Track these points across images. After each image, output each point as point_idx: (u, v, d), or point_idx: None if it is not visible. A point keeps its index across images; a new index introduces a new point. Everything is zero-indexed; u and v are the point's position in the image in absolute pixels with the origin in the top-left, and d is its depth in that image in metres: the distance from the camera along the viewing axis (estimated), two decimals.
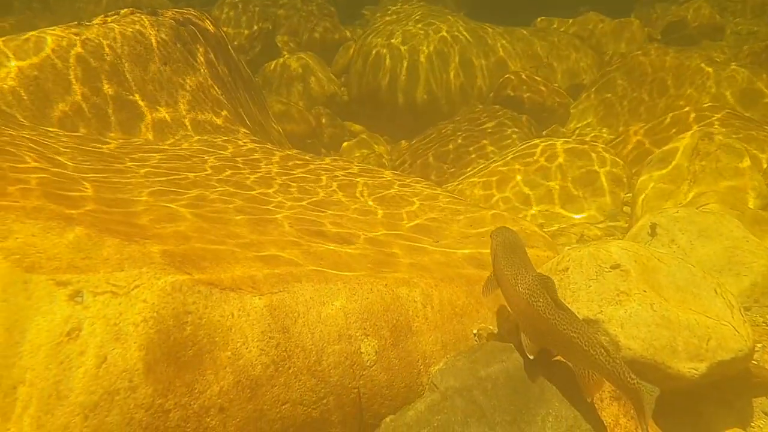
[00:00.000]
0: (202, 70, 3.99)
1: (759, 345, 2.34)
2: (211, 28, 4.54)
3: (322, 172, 3.17)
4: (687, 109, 5.14)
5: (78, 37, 3.45)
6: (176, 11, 4.27)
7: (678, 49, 6.91)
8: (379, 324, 1.84)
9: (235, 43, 7.51)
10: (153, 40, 3.74)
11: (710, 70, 5.95)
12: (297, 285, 1.80)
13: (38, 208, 1.78)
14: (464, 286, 2.11)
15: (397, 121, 7.24)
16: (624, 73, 6.71)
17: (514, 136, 6.07)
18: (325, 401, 1.71)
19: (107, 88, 3.44)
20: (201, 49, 4.14)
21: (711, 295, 2.11)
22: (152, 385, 1.47)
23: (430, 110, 7.11)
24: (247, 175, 2.90)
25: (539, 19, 9.14)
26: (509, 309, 1.91)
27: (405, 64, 7.15)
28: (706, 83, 5.81)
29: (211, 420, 1.53)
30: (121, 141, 3.20)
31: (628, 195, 4.44)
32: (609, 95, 6.69)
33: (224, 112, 3.90)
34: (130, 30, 3.67)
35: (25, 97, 3.21)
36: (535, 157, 4.74)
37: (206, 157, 3.13)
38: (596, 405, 1.78)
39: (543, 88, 6.96)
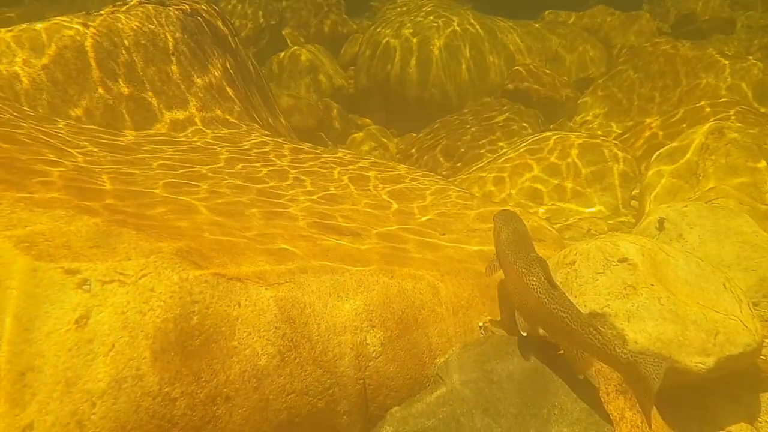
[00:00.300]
0: (211, 64, 3.98)
1: (767, 340, 2.32)
2: (218, 19, 4.51)
3: (334, 165, 3.16)
4: (702, 103, 5.05)
5: (87, 30, 3.44)
6: (183, 2, 4.24)
7: (688, 42, 6.79)
8: (384, 316, 1.84)
9: (242, 34, 7.49)
10: (163, 35, 3.72)
11: (726, 62, 5.84)
12: (304, 276, 1.80)
13: (48, 198, 1.79)
14: (471, 279, 2.10)
15: (405, 113, 7.18)
16: (634, 66, 6.62)
17: (522, 129, 6.02)
18: (330, 392, 1.71)
19: (120, 83, 3.43)
20: (208, 42, 4.12)
21: (719, 290, 2.09)
22: (159, 374, 1.48)
23: (440, 103, 7.04)
24: (260, 168, 2.90)
25: (547, 12, 9.03)
26: (509, 288, 1.91)
27: (415, 56, 7.08)
28: (722, 75, 5.69)
29: (217, 409, 1.54)
30: (133, 134, 3.20)
31: (636, 190, 4.40)
32: (618, 88, 6.61)
33: (236, 107, 3.89)
34: (138, 22, 3.66)
35: (43, 87, 3.20)
36: (545, 152, 4.69)
37: (219, 150, 3.13)
38: (602, 398, 1.77)
39: (551, 82, 6.90)
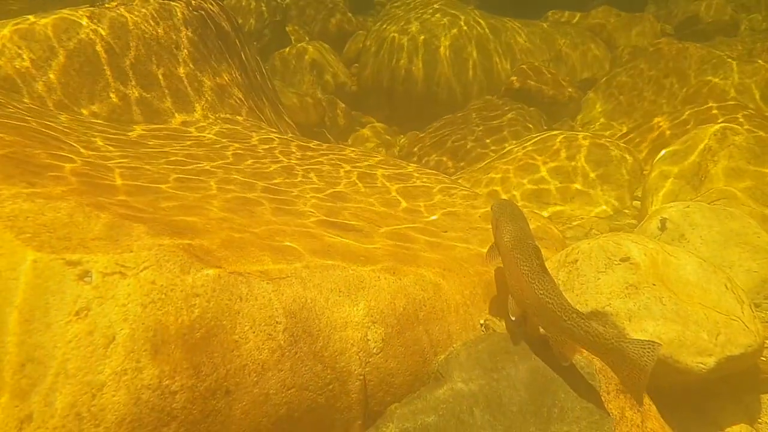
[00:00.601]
0: (216, 60, 3.95)
1: None
2: (222, 14, 4.49)
3: (342, 163, 3.15)
4: (710, 104, 5.02)
5: (97, 27, 3.40)
6: None
7: (693, 43, 6.77)
8: (386, 312, 1.84)
9: (245, 30, 7.47)
10: (170, 33, 3.69)
11: (733, 63, 5.80)
12: (306, 271, 1.79)
13: (50, 190, 1.78)
14: (472, 277, 2.09)
15: (409, 111, 7.16)
16: (638, 66, 6.60)
17: (526, 130, 6.01)
18: (330, 387, 1.71)
19: (130, 83, 3.39)
20: (213, 37, 4.11)
21: (721, 290, 2.09)
22: (159, 367, 1.48)
23: (446, 102, 7.01)
24: (267, 165, 2.89)
25: (550, 12, 9.02)
26: (505, 275, 1.93)
27: (421, 54, 7.06)
28: (730, 76, 5.65)
29: (217, 402, 1.54)
30: (141, 128, 3.18)
31: (638, 190, 4.39)
32: (621, 89, 6.59)
33: (241, 103, 3.87)
34: (144, 19, 3.62)
35: (55, 88, 3.14)
36: (551, 152, 4.67)
37: (226, 146, 3.11)
38: (603, 397, 1.77)
39: (554, 81, 6.89)
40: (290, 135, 3.87)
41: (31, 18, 3.33)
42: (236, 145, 3.18)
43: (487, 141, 5.92)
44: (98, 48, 3.36)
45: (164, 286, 1.55)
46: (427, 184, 2.99)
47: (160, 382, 1.47)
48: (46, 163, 2.00)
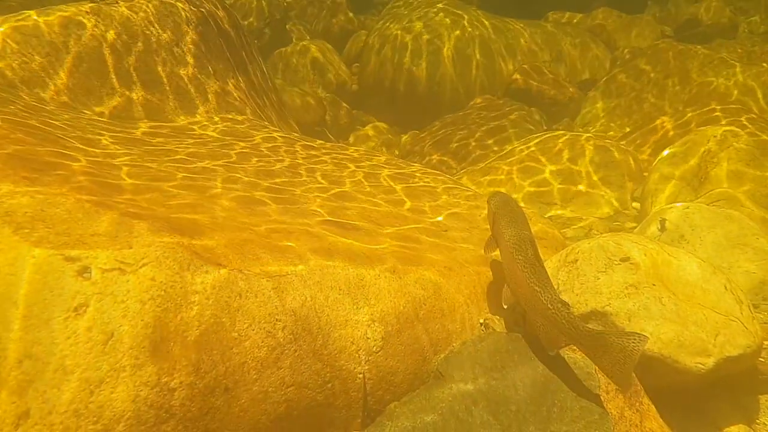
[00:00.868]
0: (217, 59, 3.93)
1: (767, 342, 2.32)
2: (223, 11, 4.48)
3: (347, 163, 3.14)
4: (713, 105, 5.01)
5: (101, 25, 3.35)
6: None
7: (693, 45, 6.77)
8: (385, 310, 1.83)
9: (246, 28, 7.45)
10: (172, 33, 3.65)
11: (737, 64, 5.80)
12: (306, 269, 1.79)
13: (49, 183, 1.77)
14: (472, 276, 2.09)
15: (411, 110, 7.12)
16: (638, 67, 6.60)
17: (527, 132, 6.00)
18: (330, 385, 1.70)
19: (135, 79, 3.35)
20: (214, 35, 4.09)
21: (720, 291, 2.09)
22: (158, 364, 1.47)
23: (449, 101, 6.97)
24: (272, 164, 2.87)
25: (551, 13, 9.03)
26: (503, 265, 1.96)
27: (424, 53, 7.02)
28: (733, 78, 5.64)
29: (216, 400, 1.53)
30: (147, 126, 3.16)
31: (638, 191, 4.40)
32: (622, 89, 6.59)
33: (245, 101, 3.86)
34: (147, 18, 3.58)
35: (62, 91, 3.08)
36: (554, 152, 4.66)
37: (232, 144, 3.10)
38: (602, 397, 1.77)
39: (555, 82, 6.89)
40: (295, 134, 3.85)
41: (33, 15, 3.28)
42: (240, 143, 3.16)
43: (489, 141, 5.91)
44: (104, 49, 3.33)
45: (163, 283, 1.54)
46: (431, 185, 2.98)
47: (158, 379, 1.46)
48: (52, 162, 1.98)
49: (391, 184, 2.90)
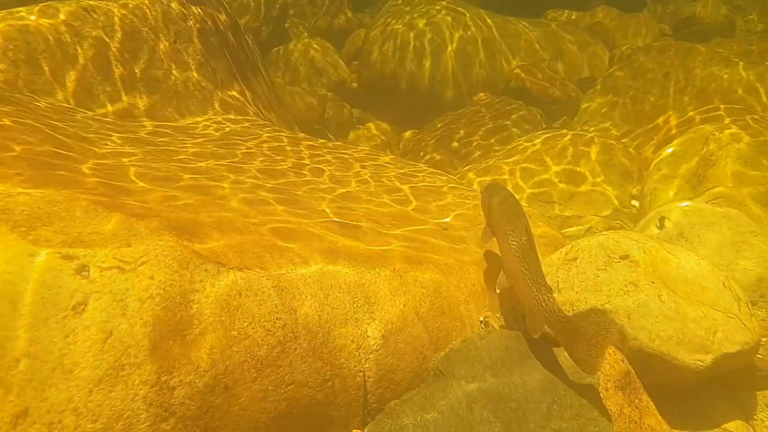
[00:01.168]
0: (217, 57, 3.90)
1: (764, 339, 2.33)
2: (221, 8, 4.45)
3: (354, 162, 3.12)
4: (716, 103, 5.00)
5: (89, 13, 3.31)
6: None
7: (692, 43, 6.78)
8: (385, 308, 1.83)
9: (244, 26, 7.40)
10: (167, 30, 3.62)
11: (739, 62, 5.78)
12: (305, 267, 1.78)
13: (44, 181, 1.76)
14: (472, 275, 2.09)
15: (411, 109, 7.04)
16: (638, 65, 6.59)
17: (525, 132, 5.99)
18: (330, 384, 1.70)
19: (139, 81, 3.32)
20: (212, 32, 4.06)
21: (719, 288, 2.10)
22: (157, 362, 1.47)
23: (452, 101, 6.90)
24: (278, 163, 2.86)
25: (549, 11, 9.02)
26: (500, 252, 1.98)
27: (426, 51, 6.93)
28: (736, 76, 5.62)
29: (215, 398, 1.53)
30: (155, 126, 3.13)
31: (637, 188, 4.41)
32: (621, 88, 6.59)
33: (248, 98, 3.83)
34: (156, 14, 3.54)
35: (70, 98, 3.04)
36: (557, 151, 4.65)
37: (236, 144, 3.08)
38: (601, 394, 1.77)
39: (554, 80, 6.88)
40: (300, 134, 3.83)
41: (23, 12, 3.21)
42: (244, 144, 3.14)
43: (490, 141, 5.89)
44: (110, 50, 3.30)
45: (163, 282, 1.53)
46: (436, 185, 2.97)
47: (158, 377, 1.46)
48: (56, 163, 1.97)
49: (396, 183, 2.89)
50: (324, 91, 7.34)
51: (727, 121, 4.33)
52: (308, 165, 2.95)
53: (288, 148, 3.21)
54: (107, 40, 3.34)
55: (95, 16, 3.33)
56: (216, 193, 2.20)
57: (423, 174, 3.16)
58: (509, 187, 4.42)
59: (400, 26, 7.28)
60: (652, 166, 4.11)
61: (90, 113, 3.07)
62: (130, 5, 3.56)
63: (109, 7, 3.46)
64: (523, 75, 6.88)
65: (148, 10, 3.61)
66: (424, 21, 7.21)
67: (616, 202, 4.35)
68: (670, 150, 4.04)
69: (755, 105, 5.28)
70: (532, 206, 4.25)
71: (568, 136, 4.78)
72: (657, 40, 7.73)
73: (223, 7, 4.57)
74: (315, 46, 7.77)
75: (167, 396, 1.46)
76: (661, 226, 2.88)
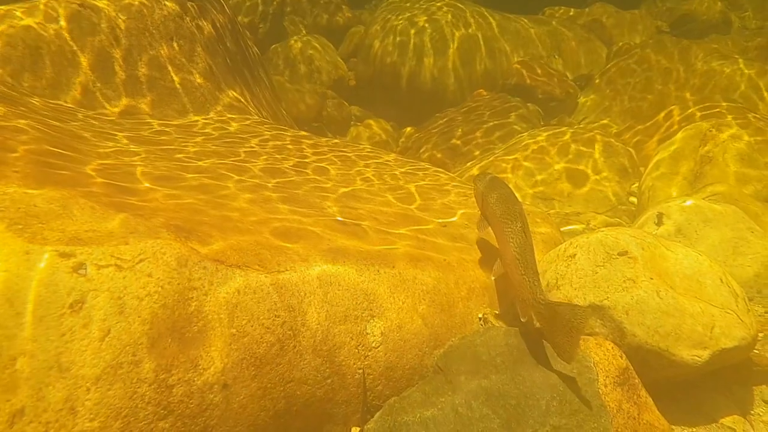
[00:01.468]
0: (215, 54, 3.87)
1: (761, 335, 2.35)
2: (220, 8, 4.41)
3: (357, 160, 3.11)
4: (716, 102, 4.99)
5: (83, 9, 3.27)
6: None
7: (687, 41, 6.79)
8: (384, 305, 1.83)
9: (242, 22, 7.36)
10: (169, 32, 3.58)
11: (740, 59, 5.79)
12: (304, 264, 1.77)
13: (42, 179, 1.74)
14: (472, 272, 2.09)
15: (410, 107, 7.01)
16: (635, 62, 6.59)
17: (522, 125, 5.99)
18: (329, 381, 1.70)
19: (143, 82, 3.31)
20: (210, 28, 4.02)
21: (716, 284, 2.10)
22: (156, 360, 1.46)
23: (453, 98, 6.86)
24: (281, 161, 2.84)
25: (547, 9, 9.01)
26: (496, 240, 2.02)
27: (426, 49, 6.89)
28: (737, 73, 5.61)
29: (214, 396, 1.52)
30: (157, 124, 3.11)
31: (634, 185, 4.42)
32: (618, 85, 6.59)
33: (249, 97, 3.80)
34: (159, 17, 3.51)
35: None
36: (559, 147, 4.65)
37: (239, 143, 3.05)
38: (600, 390, 1.78)
39: (552, 78, 6.88)
40: (302, 132, 3.81)
41: (19, 12, 3.16)
42: (247, 142, 3.12)
43: (490, 138, 5.88)
44: (110, 51, 3.27)
45: (161, 279, 1.52)
46: (439, 183, 2.96)
47: (156, 375, 1.45)
48: (60, 164, 1.94)
49: (400, 182, 2.87)
50: (322, 89, 7.31)
51: (729, 118, 4.34)
52: (311, 164, 2.93)
53: (290, 146, 3.19)
54: (107, 41, 3.32)
55: (95, 17, 3.30)
56: (217, 192, 2.19)
57: (425, 172, 3.15)
58: (512, 184, 4.43)
59: (401, 22, 7.23)
60: (650, 163, 4.12)
61: (92, 112, 3.05)
62: (130, 6, 3.53)
63: (109, 7, 3.43)
64: (522, 70, 6.87)
65: (146, 11, 3.58)
66: (425, 18, 7.17)
67: (614, 199, 4.37)
68: (668, 147, 4.06)
69: (757, 101, 5.29)
70: (532, 204, 4.25)
71: (568, 134, 4.79)
72: (654, 37, 7.74)
73: (221, 5, 4.54)
74: (313, 43, 7.73)
75: (166, 394, 1.46)
76: (659, 223, 2.89)
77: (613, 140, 4.83)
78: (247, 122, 3.55)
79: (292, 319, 1.67)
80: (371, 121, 7.04)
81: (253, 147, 3.04)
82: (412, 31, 7.09)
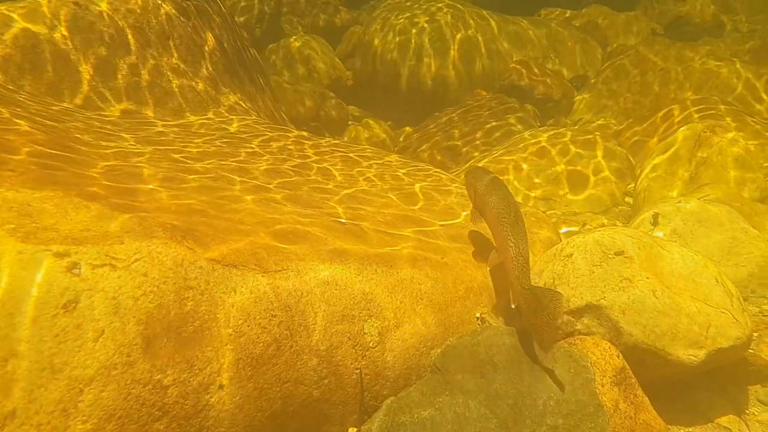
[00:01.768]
0: (213, 53, 3.85)
1: (755, 334, 2.37)
2: (220, 19, 4.39)
3: (361, 161, 3.09)
4: (712, 103, 5.00)
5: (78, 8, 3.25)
6: None
7: (682, 43, 6.86)
8: (382, 305, 1.82)
9: (239, 21, 7.33)
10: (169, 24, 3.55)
11: (737, 60, 5.85)
12: (301, 264, 1.76)
13: (39, 180, 1.72)
14: (469, 271, 2.09)
15: (408, 107, 7.00)
16: (631, 63, 6.63)
17: (520, 126, 6.02)
18: (326, 381, 1.69)
19: (146, 85, 3.30)
20: (206, 27, 4.00)
21: (712, 284, 2.12)
22: (151, 361, 1.44)
23: (452, 98, 6.85)
24: (283, 162, 2.82)
25: (543, 10, 9.05)
26: (491, 231, 2.07)
27: (425, 50, 6.87)
28: (735, 74, 5.65)
29: (210, 397, 1.51)
30: (160, 124, 3.08)
31: (630, 185, 4.45)
32: (613, 86, 6.64)
33: (248, 97, 3.78)
34: (167, 15, 3.49)
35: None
36: (559, 147, 4.65)
37: (240, 144, 3.02)
38: (597, 389, 1.78)
39: (549, 79, 6.90)
40: (303, 132, 3.79)
41: (15, 15, 3.13)
42: (249, 143, 3.08)
43: (488, 140, 5.89)
44: (110, 52, 3.26)
45: (156, 279, 1.51)
46: (441, 183, 2.95)
47: (151, 376, 1.43)
48: (61, 165, 1.91)
49: (402, 183, 2.86)
50: (319, 89, 7.29)
51: (727, 120, 4.38)
52: (313, 164, 2.91)
53: (292, 146, 3.17)
54: (107, 42, 3.30)
55: (95, 18, 3.28)
56: (218, 193, 2.17)
57: (426, 173, 3.14)
58: (509, 186, 4.44)
59: (401, 21, 7.22)
60: (645, 163, 4.15)
61: (93, 113, 3.02)
62: (129, 7, 3.51)
63: (109, 9, 3.41)
64: (520, 70, 6.89)
65: (145, 12, 3.55)
66: (425, 18, 7.16)
67: (611, 199, 4.39)
68: (663, 148, 4.08)
69: (754, 103, 5.33)
70: (530, 204, 4.26)
71: (568, 135, 4.81)
72: (648, 39, 7.80)
73: (218, 5, 4.52)
74: (310, 43, 7.72)
75: (161, 395, 1.44)
76: (654, 223, 2.91)
77: (610, 141, 4.85)
78: (248, 122, 3.53)
79: (289, 318, 1.65)
80: (370, 121, 7.03)
81: (254, 147, 3.02)
82: (413, 31, 7.09)
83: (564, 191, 4.45)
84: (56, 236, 1.52)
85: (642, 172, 4.09)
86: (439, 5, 7.34)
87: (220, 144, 2.96)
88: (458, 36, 7.03)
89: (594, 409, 1.73)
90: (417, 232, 2.25)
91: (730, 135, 3.85)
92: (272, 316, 1.63)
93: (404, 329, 1.84)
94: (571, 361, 1.82)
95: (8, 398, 1.36)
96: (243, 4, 7.86)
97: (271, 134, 3.35)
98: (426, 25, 7.11)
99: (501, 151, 5.01)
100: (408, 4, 7.57)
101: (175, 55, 3.58)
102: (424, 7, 7.37)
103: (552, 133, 4.96)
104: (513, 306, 1.81)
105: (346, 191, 2.58)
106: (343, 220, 2.17)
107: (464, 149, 5.89)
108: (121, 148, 2.45)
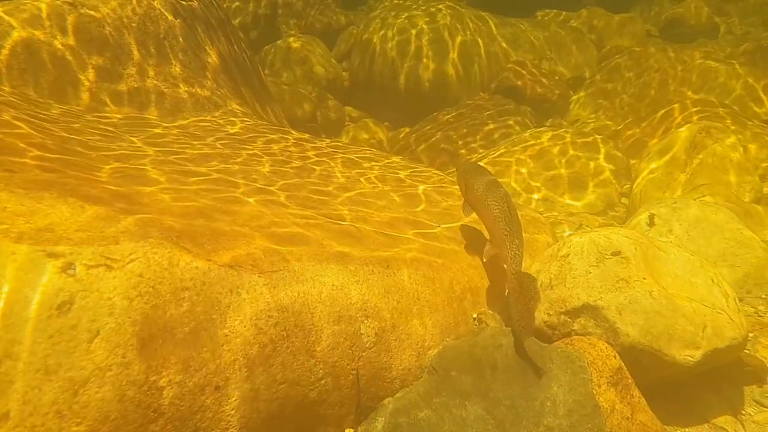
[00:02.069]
0: (211, 52, 3.85)
1: (751, 335, 2.38)
2: (214, 8, 4.38)
3: (363, 162, 3.08)
4: (714, 101, 5.03)
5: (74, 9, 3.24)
6: None
7: (678, 45, 6.90)
8: (379, 306, 1.82)
9: (235, 22, 7.31)
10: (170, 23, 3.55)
11: (735, 62, 5.87)
12: (298, 264, 1.76)
13: (34, 179, 1.71)
14: (466, 271, 2.09)
15: (406, 108, 6.97)
16: (628, 64, 6.66)
17: (517, 127, 6.03)
18: (323, 382, 1.68)
19: (148, 85, 3.31)
20: (204, 27, 4.00)
21: (708, 284, 2.13)
22: (146, 362, 1.43)
23: (452, 100, 6.85)
24: (284, 164, 2.80)
25: (539, 12, 9.09)
26: (484, 224, 2.10)
27: (424, 51, 6.87)
28: (734, 75, 5.68)
29: (206, 398, 1.50)
30: (162, 126, 3.08)
31: (626, 186, 4.47)
32: (609, 87, 6.67)
33: (247, 97, 3.77)
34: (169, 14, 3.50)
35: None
36: (560, 147, 4.68)
37: (241, 146, 3.00)
38: (594, 390, 1.78)
39: (545, 80, 6.92)
40: (305, 134, 3.78)
41: (14, 22, 3.13)
42: (251, 145, 3.06)
43: (488, 140, 5.90)
44: (111, 55, 3.26)
45: (152, 279, 1.50)
46: (442, 185, 2.95)
47: (146, 377, 1.42)
48: (56, 167, 1.90)
49: (403, 185, 2.85)
50: (316, 90, 7.29)
51: (728, 121, 4.40)
52: (315, 167, 2.90)
53: (293, 148, 3.16)
54: (108, 44, 3.30)
55: (97, 21, 3.28)
56: (218, 194, 2.16)
57: (427, 174, 3.14)
58: (508, 187, 4.45)
59: (401, 21, 7.22)
60: (642, 164, 4.16)
61: (94, 116, 3.01)
62: (129, 10, 3.50)
63: (111, 14, 3.40)
64: (517, 70, 6.90)
65: (144, 13, 3.54)
66: (426, 19, 7.17)
67: (607, 200, 4.40)
68: (660, 148, 4.10)
69: (752, 105, 5.36)
70: (532, 207, 4.27)
71: (568, 137, 4.83)
72: (644, 41, 7.85)
73: (215, 7, 4.51)
74: (306, 43, 7.72)
75: (156, 396, 1.43)
76: (650, 223, 2.92)
77: (608, 142, 4.87)
78: (248, 125, 3.52)
79: (285, 319, 1.65)
80: (368, 121, 7.03)
81: (256, 149, 3.01)
82: (413, 32, 7.09)
83: (563, 192, 4.46)
84: (51, 237, 1.51)
85: (639, 173, 4.10)
86: (439, 6, 7.35)
87: (221, 146, 2.95)
88: (458, 37, 7.04)
89: (591, 410, 1.74)
90: (417, 234, 2.25)
91: (728, 137, 3.88)
92: (268, 316, 1.62)
93: (401, 330, 1.84)
94: (568, 361, 1.82)
95: (2, 399, 1.35)
96: (236, 4, 7.85)
97: (272, 136, 3.34)
98: (425, 26, 7.11)
99: (501, 151, 5.01)
100: (408, 4, 7.57)
101: (177, 60, 3.58)
102: (424, 8, 7.38)
103: (552, 134, 4.97)
104: (506, 293, 1.84)
105: (347, 193, 2.58)
106: (343, 222, 2.16)
107: (462, 151, 5.90)
108: (122, 149, 2.44)
